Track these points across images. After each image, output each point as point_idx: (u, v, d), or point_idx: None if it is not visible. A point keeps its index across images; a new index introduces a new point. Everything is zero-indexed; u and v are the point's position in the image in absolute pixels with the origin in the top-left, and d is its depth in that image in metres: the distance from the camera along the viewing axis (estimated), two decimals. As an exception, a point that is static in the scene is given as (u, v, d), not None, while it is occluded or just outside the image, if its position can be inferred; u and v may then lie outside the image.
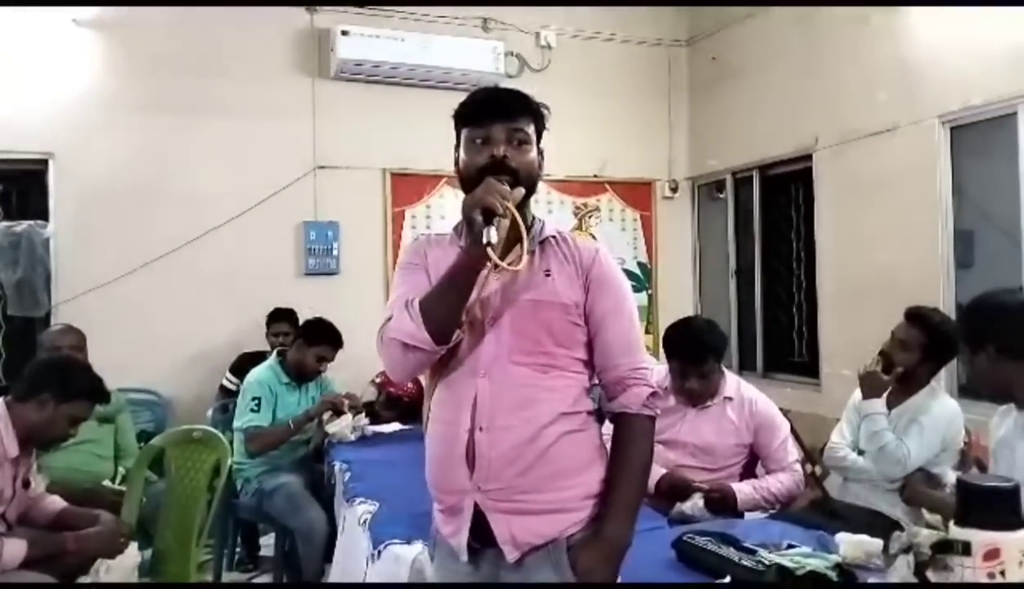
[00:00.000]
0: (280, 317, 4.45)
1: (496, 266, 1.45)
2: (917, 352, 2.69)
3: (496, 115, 1.56)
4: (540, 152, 1.63)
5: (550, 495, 1.52)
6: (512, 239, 1.51)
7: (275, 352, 3.90)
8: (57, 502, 2.66)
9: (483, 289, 1.55)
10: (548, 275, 1.58)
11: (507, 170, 1.53)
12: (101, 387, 2.63)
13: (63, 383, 2.49)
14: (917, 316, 2.72)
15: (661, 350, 2.86)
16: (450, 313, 1.50)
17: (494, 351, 1.54)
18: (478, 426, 1.52)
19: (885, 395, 2.75)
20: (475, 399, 1.53)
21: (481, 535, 1.55)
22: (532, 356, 1.54)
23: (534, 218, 1.66)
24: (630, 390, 1.58)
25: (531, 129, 1.59)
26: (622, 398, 1.59)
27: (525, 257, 1.50)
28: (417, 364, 1.55)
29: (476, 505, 1.54)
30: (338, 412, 3.73)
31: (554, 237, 1.65)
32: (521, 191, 1.51)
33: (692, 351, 2.75)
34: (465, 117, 1.60)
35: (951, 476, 2.52)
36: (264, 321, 4.50)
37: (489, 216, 1.43)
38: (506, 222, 1.47)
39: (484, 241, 1.41)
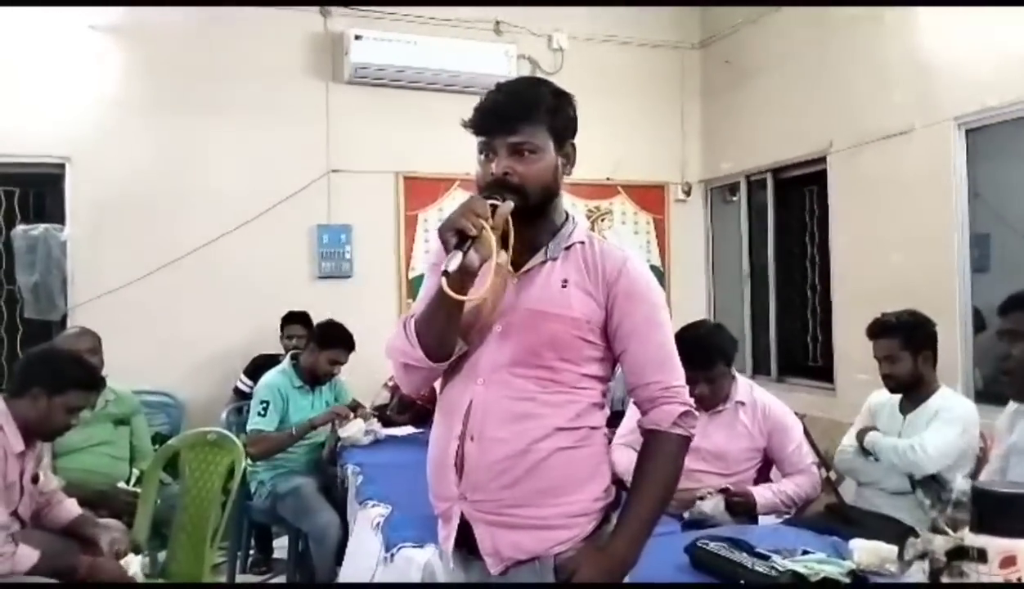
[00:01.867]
0: (294, 320, 4.47)
1: (461, 294, 1.37)
2: (908, 357, 2.70)
3: (494, 128, 1.46)
4: (566, 150, 1.53)
5: (538, 511, 1.47)
6: (518, 249, 1.48)
7: (289, 355, 3.92)
8: (71, 511, 2.64)
9: (497, 294, 1.51)
10: (564, 286, 1.50)
11: (508, 187, 1.44)
12: (92, 374, 2.63)
13: (51, 376, 2.47)
14: (880, 329, 2.74)
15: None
16: (440, 334, 1.46)
17: (495, 359, 1.49)
18: (469, 435, 1.48)
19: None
20: (469, 406, 1.49)
21: (471, 544, 1.52)
22: (533, 369, 1.48)
23: (567, 218, 1.58)
24: (662, 408, 1.50)
25: (539, 135, 1.47)
26: (652, 415, 1.51)
27: (487, 284, 1.40)
28: (421, 380, 1.54)
29: (463, 514, 1.51)
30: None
31: (581, 243, 1.54)
32: (510, 205, 1.42)
33: (699, 356, 2.71)
34: (471, 125, 1.51)
35: (960, 482, 2.49)
36: (278, 324, 4.52)
37: (462, 239, 1.36)
38: (488, 240, 1.37)
39: (443, 267, 1.34)
